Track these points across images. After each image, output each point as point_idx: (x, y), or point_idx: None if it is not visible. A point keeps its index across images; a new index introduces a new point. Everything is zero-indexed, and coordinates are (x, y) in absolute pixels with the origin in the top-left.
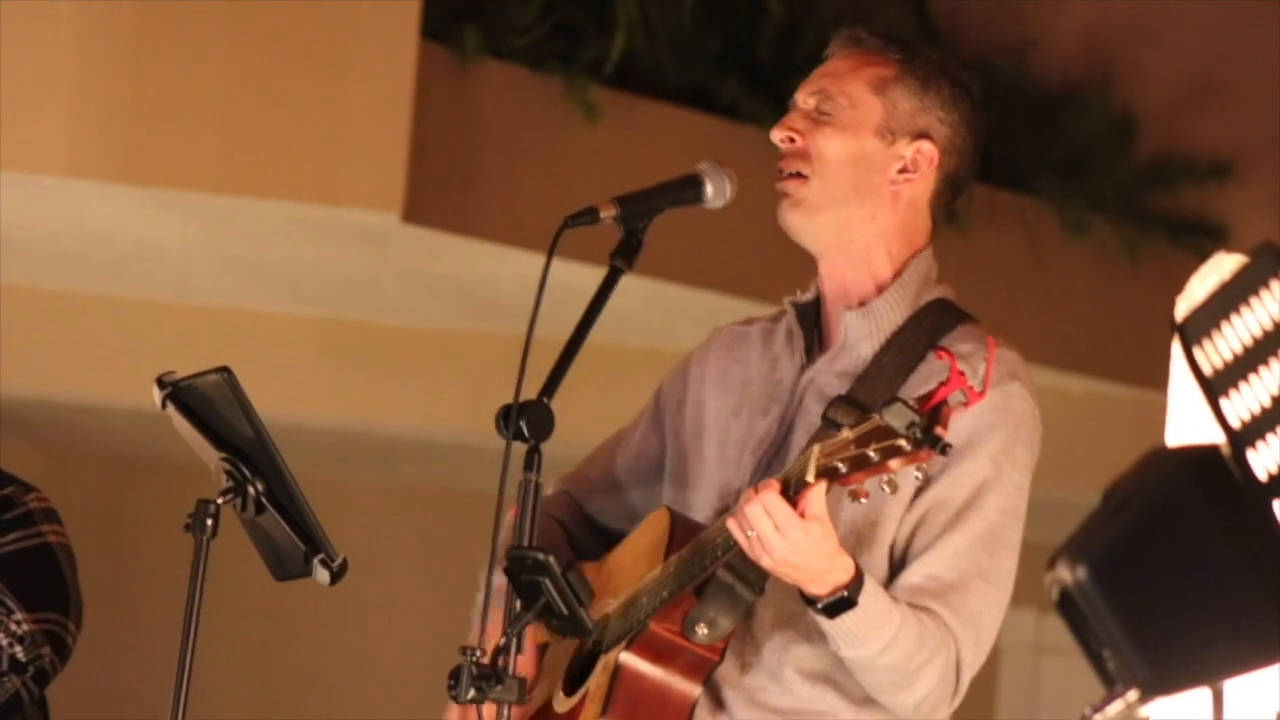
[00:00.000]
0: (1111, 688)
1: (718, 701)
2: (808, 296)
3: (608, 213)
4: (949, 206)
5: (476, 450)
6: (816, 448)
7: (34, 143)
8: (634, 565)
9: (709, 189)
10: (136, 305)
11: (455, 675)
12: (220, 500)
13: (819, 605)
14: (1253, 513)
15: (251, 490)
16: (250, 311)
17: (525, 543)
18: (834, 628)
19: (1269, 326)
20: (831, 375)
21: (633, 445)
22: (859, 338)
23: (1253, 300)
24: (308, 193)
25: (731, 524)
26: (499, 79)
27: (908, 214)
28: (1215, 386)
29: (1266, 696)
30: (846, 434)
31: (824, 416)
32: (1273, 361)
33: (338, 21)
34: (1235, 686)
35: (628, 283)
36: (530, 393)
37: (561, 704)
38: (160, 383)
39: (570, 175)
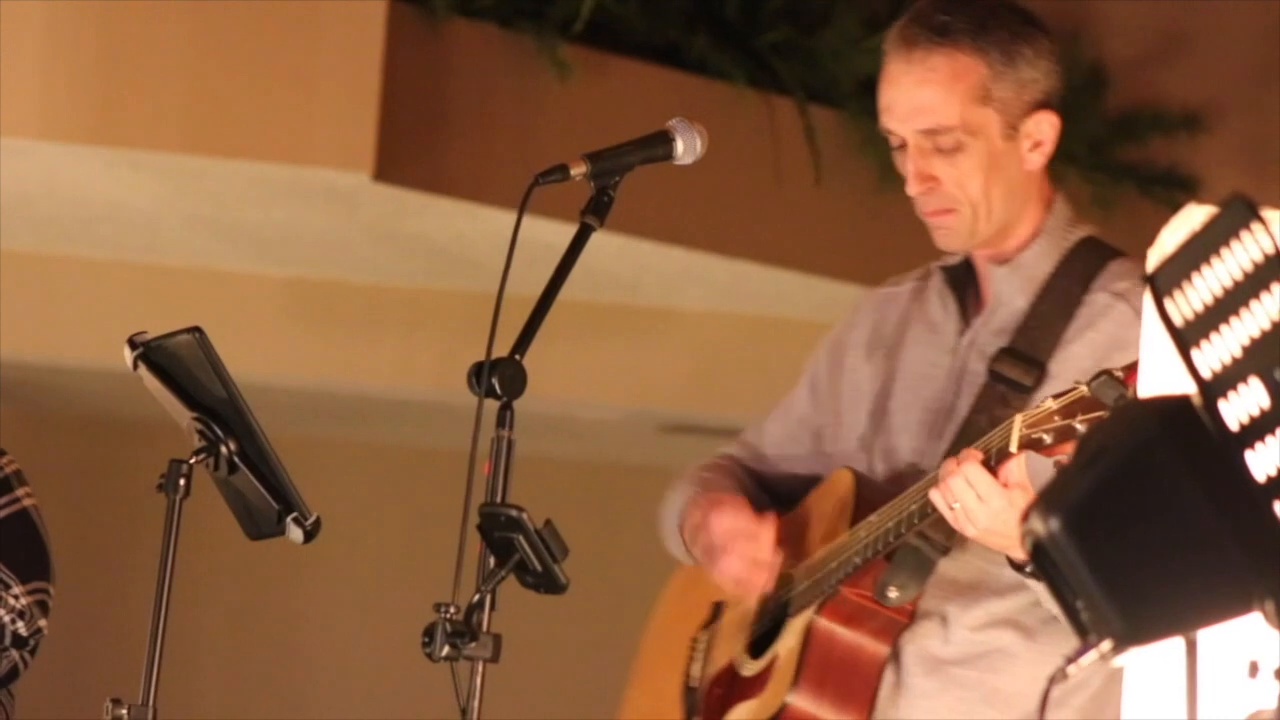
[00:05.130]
0: (1085, 638)
1: (893, 656)
2: (955, 259)
3: (578, 170)
4: None
5: (449, 408)
6: (1019, 418)
7: (3, 105)
8: (816, 527)
9: (679, 145)
10: (107, 266)
11: (429, 632)
12: (193, 460)
13: (1026, 570)
14: (1224, 463)
15: (224, 450)
16: (221, 271)
17: (497, 499)
18: (1042, 588)
19: (1239, 278)
20: (989, 334)
21: (794, 412)
22: (1011, 292)
23: (1223, 252)
24: (278, 152)
25: (935, 496)
26: (469, 37)
27: (1042, 174)
28: (1186, 338)
29: (1239, 646)
30: (1050, 404)
31: (990, 372)
32: (1243, 312)
33: None
34: (1208, 636)
35: (599, 239)
36: (502, 350)
37: (748, 667)
38: (132, 343)
39: (541, 133)
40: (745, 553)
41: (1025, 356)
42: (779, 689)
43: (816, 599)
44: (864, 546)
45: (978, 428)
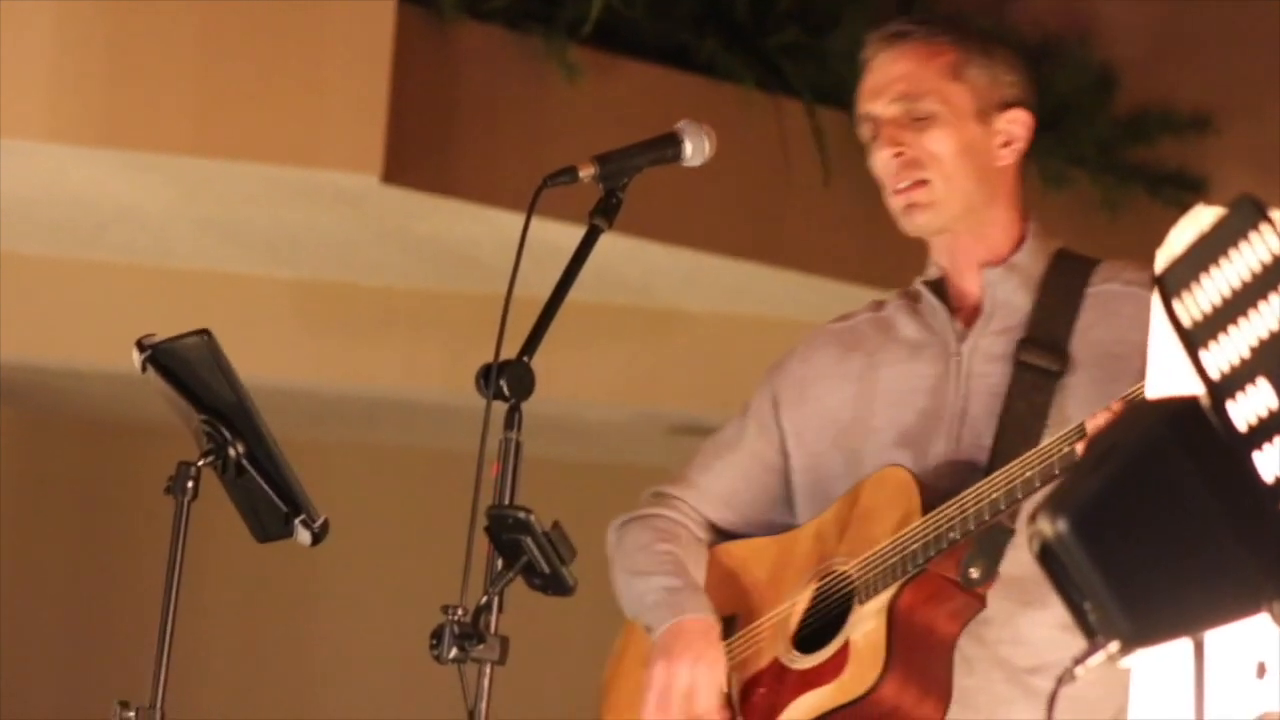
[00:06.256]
0: (1093, 639)
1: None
2: (932, 275)
3: (587, 171)
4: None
5: (457, 410)
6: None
7: (11, 108)
8: (871, 521)
9: (688, 147)
10: (116, 269)
11: (437, 634)
12: (201, 462)
13: None
14: (1232, 464)
15: (232, 452)
16: (230, 274)
17: (505, 501)
18: None
19: (1247, 279)
20: (991, 335)
21: (744, 452)
22: (1010, 291)
23: (1231, 252)
24: (286, 155)
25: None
26: (477, 39)
27: (1012, 178)
28: (1194, 338)
29: (1247, 647)
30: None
31: (1019, 362)
32: (1251, 313)
33: None
34: (1216, 637)
35: (607, 241)
36: (510, 352)
37: (803, 661)
38: (140, 346)
39: (549, 135)
40: None
41: (1046, 344)
42: (862, 671)
43: (896, 580)
44: (959, 522)
45: (1018, 415)
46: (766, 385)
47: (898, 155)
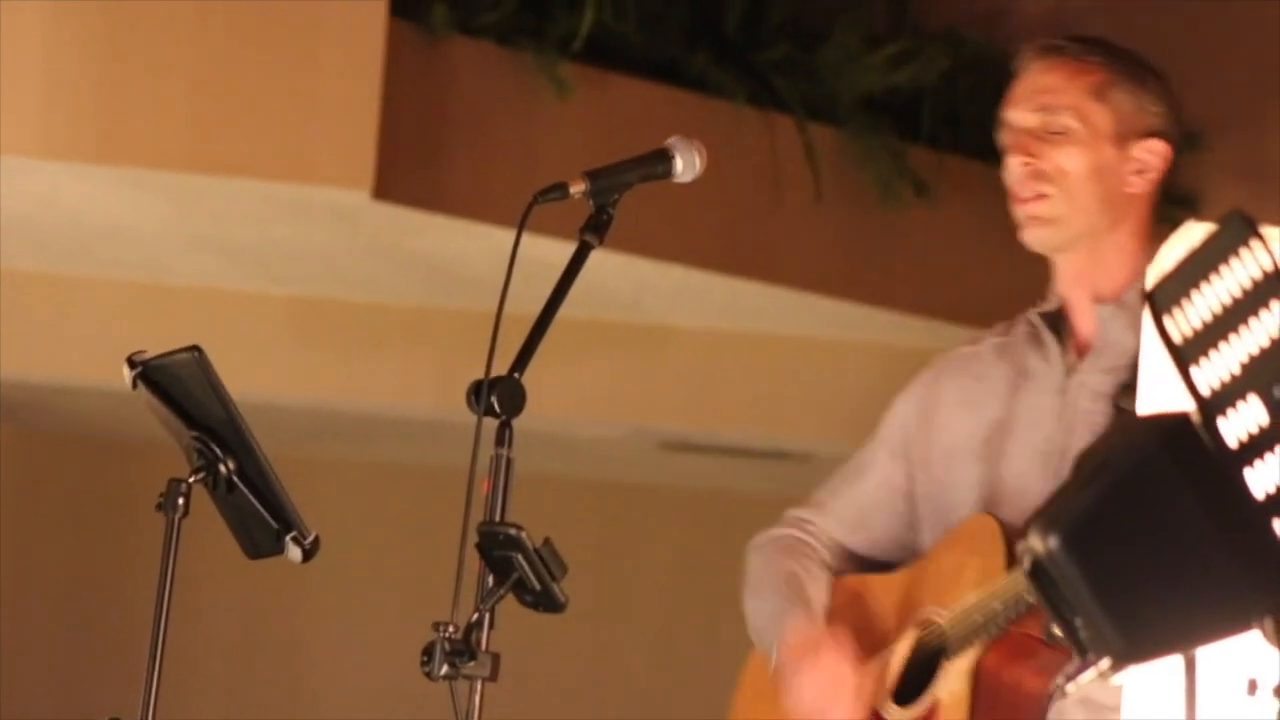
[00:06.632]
0: (1084, 656)
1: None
2: (1051, 305)
3: (577, 188)
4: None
5: (448, 426)
6: None
7: (4, 124)
8: (961, 572)
9: (678, 163)
10: (108, 285)
11: (428, 651)
12: (192, 479)
13: None
14: (1223, 480)
15: (223, 468)
16: (221, 290)
17: (496, 518)
18: None
19: (1238, 295)
20: (1098, 373)
21: (873, 477)
22: (1119, 329)
23: (1222, 269)
24: (278, 171)
25: None
26: (468, 55)
27: (1143, 208)
28: (1185, 355)
29: (1238, 664)
30: None
31: (1118, 408)
32: (1242, 330)
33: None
34: (1207, 654)
35: (598, 257)
36: (501, 368)
37: (897, 714)
38: (131, 362)
39: (540, 151)
40: None
41: None
42: None
43: (980, 640)
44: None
45: None
46: (895, 410)
47: (1026, 164)
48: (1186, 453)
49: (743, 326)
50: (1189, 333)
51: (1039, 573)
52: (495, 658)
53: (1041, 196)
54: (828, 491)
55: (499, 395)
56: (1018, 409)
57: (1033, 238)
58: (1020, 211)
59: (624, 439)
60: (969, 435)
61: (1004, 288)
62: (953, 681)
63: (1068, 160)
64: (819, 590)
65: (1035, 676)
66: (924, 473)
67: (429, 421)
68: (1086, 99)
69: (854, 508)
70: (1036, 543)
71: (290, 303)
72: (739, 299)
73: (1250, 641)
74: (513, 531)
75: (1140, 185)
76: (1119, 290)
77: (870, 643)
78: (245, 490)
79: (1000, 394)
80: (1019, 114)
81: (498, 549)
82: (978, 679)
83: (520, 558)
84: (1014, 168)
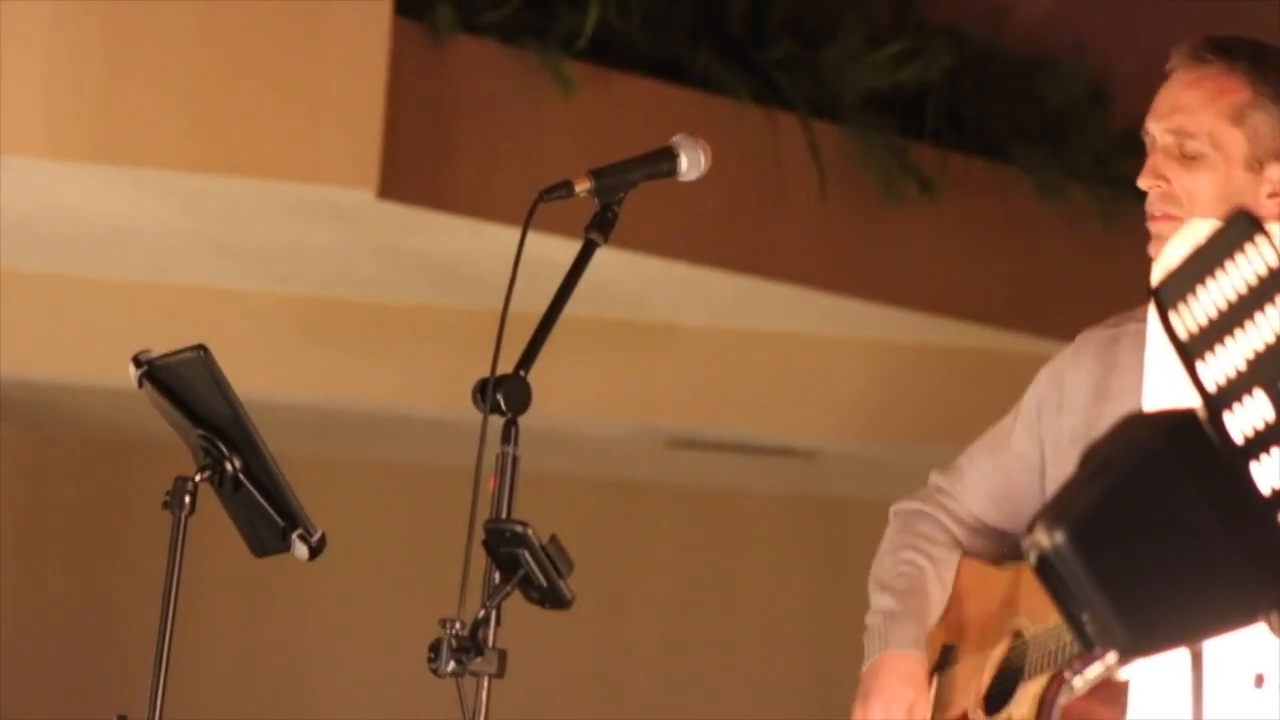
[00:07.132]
0: (1091, 650)
1: None
2: None
3: (582, 186)
4: None
5: (453, 424)
6: None
7: (8, 124)
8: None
9: (683, 161)
10: (111, 284)
11: (435, 647)
12: (198, 477)
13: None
14: (1229, 475)
15: (229, 467)
16: (226, 289)
17: (503, 515)
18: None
19: (1243, 291)
20: None
21: (1010, 452)
22: None
23: (1227, 265)
24: (282, 170)
25: None
26: (472, 54)
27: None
28: (1191, 351)
29: (1245, 658)
30: None
31: None
32: (1248, 326)
33: None
34: (1213, 648)
35: (603, 255)
36: (507, 366)
37: None
38: (136, 361)
39: (545, 149)
40: None
41: None
42: None
43: (1050, 668)
44: None
45: None
46: (1036, 386)
47: (1156, 187)
48: (1192, 448)
49: (747, 324)
50: (1195, 329)
51: (1045, 568)
52: (502, 654)
53: (1170, 217)
54: (968, 459)
55: (505, 393)
56: (1122, 410)
57: (1158, 256)
58: (1150, 227)
59: (629, 436)
60: (1089, 425)
61: (1007, 284)
62: (1023, 705)
63: (1197, 186)
64: (939, 587)
65: (1103, 707)
66: (1053, 452)
67: (434, 420)
68: (1223, 123)
69: (989, 479)
70: (1043, 538)
71: (295, 302)
72: (744, 296)
73: (1256, 635)
74: (519, 528)
75: (1273, 208)
76: None
77: (978, 639)
78: (251, 488)
79: (1129, 388)
80: (1156, 129)
81: (504, 546)
82: (1042, 709)
83: (527, 554)
84: (1147, 185)
